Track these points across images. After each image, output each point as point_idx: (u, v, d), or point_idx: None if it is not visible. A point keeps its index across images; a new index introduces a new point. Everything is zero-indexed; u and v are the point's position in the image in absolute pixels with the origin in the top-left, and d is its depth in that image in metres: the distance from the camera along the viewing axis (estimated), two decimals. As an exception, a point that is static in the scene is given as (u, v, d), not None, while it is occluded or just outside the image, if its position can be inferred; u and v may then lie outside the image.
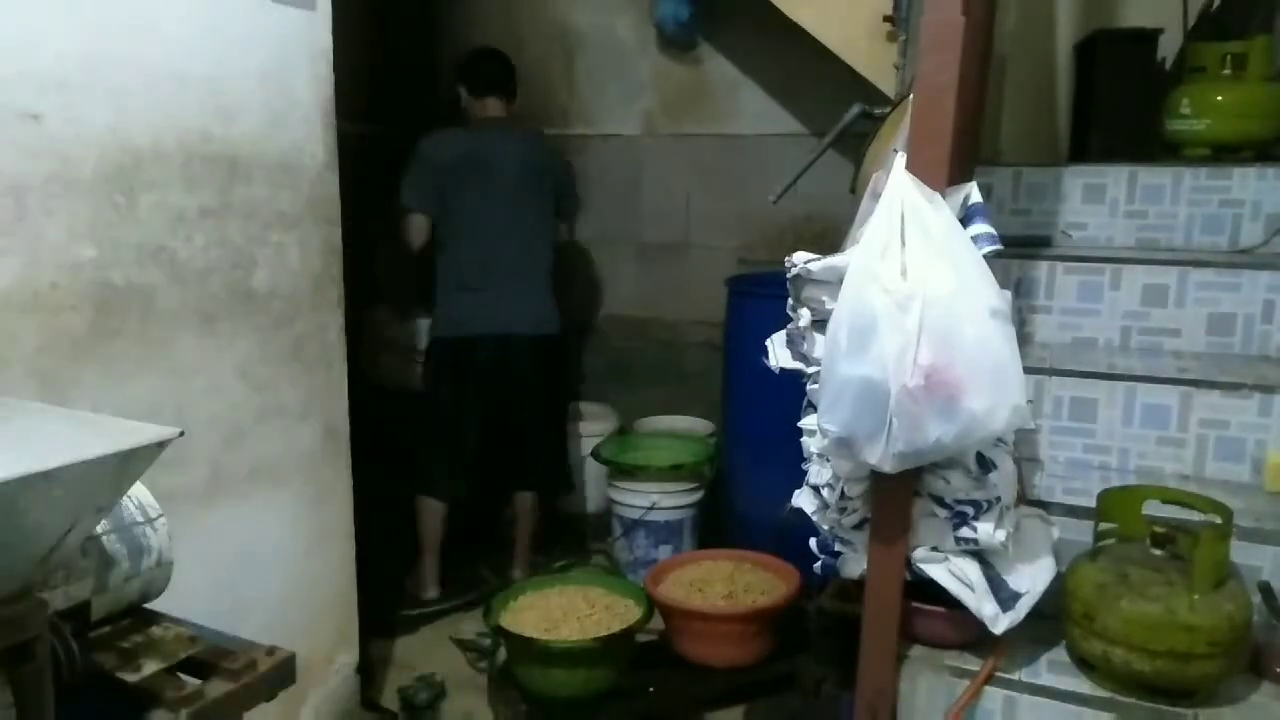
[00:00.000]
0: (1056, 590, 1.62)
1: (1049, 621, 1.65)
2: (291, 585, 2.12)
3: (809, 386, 1.68)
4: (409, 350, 3.40)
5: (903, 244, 1.41)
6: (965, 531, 1.55)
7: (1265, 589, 1.64)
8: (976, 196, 1.52)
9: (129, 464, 0.99)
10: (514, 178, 3.02)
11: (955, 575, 1.57)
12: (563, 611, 2.39)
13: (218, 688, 1.09)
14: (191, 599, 1.30)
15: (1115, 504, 1.68)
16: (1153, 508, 1.66)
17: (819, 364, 1.58)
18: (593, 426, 3.56)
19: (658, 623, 2.44)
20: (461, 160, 2.97)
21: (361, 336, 3.26)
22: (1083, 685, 1.59)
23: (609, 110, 3.82)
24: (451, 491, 3.04)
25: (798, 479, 1.74)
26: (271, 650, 1.16)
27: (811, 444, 1.68)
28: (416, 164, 2.97)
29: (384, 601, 2.89)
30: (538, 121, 3.89)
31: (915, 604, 1.64)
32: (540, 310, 3.10)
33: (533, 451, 3.18)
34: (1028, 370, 1.55)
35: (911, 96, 1.50)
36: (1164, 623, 1.46)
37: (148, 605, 1.24)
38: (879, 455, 1.44)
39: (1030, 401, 1.94)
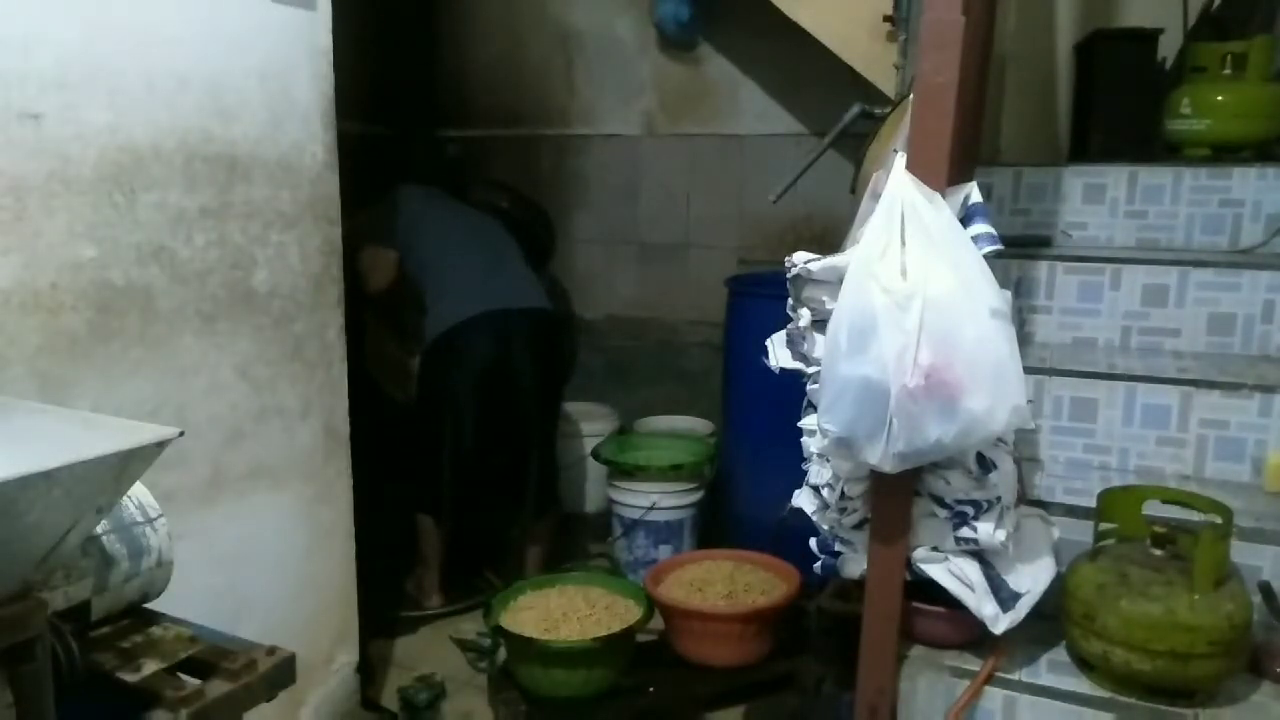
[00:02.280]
0: (1056, 590, 1.62)
1: (1049, 621, 1.65)
2: (291, 585, 2.12)
3: (809, 386, 1.68)
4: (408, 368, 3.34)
5: (903, 244, 1.41)
6: (965, 531, 1.55)
7: (1265, 589, 1.64)
8: (976, 196, 1.52)
9: (129, 464, 0.99)
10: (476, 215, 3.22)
11: (955, 575, 1.57)
12: (563, 611, 2.39)
13: (218, 688, 1.09)
14: (191, 599, 1.30)
15: (1115, 504, 1.68)
16: (1153, 508, 1.66)
17: (819, 364, 1.58)
18: (593, 426, 3.55)
19: (658, 623, 2.43)
20: (422, 202, 3.10)
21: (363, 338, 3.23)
22: (1083, 685, 1.59)
23: (609, 110, 3.81)
24: (451, 516, 2.98)
25: (798, 479, 1.74)
26: (271, 650, 1.16)
27: (811, 444, 1.68)
28: (380, 209, 3.04)
29: (384, 601, 2.88)
30: (538, 122, 3.90)
31: (915, 604, 1.64)
32: (527, 283, 3.07)
33: (526, 466, 3.07)
34: (1028, 370, 1.55)
35: (911, 96, 1.50)
36: (1164, 623, 1.46)
37: (148, 605, 1.24)
38: (879, 455, 1.44)
39: (1030, 401, 1.94)
